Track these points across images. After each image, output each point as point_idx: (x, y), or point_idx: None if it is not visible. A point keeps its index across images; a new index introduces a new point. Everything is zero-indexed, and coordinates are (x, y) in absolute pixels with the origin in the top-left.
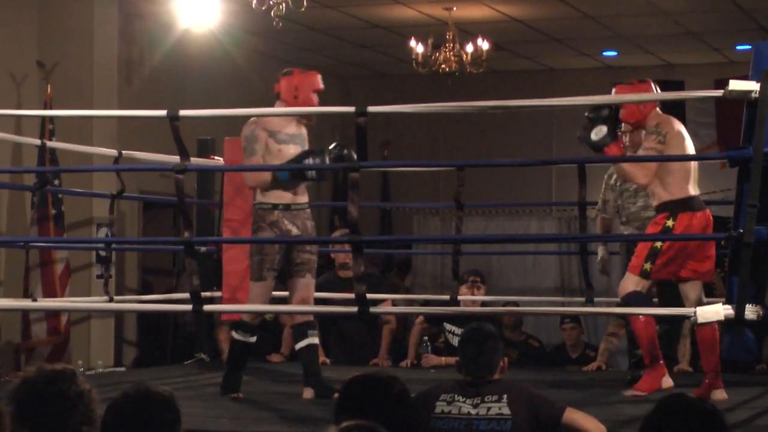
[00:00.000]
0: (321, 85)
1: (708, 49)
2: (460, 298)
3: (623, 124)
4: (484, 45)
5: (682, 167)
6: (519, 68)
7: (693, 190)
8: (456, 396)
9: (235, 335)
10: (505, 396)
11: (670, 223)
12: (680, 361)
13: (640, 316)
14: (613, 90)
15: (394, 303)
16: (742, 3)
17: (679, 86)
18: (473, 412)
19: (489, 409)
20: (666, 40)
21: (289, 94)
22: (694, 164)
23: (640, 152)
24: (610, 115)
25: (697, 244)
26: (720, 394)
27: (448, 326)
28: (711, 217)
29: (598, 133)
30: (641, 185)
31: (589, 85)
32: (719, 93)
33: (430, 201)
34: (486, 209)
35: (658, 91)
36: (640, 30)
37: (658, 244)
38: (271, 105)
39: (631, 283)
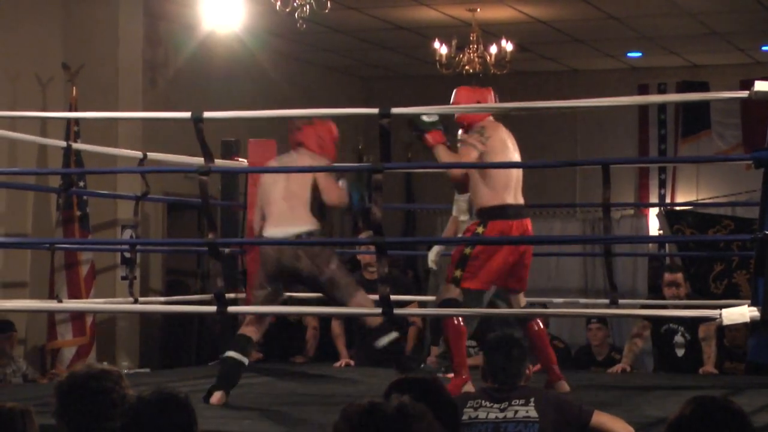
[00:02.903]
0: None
1: (733, 50)
2: None
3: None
4: (508, 46)
5: (499, 175)
6: (543, 69)
7: (511, 198)
8: (483, 402)
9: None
10: (532, 399)
11: (480, 230)
12: (705, 363)
13: (454, 320)
14: (455, 91)
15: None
16: None
17: (703, 87)
18: (500, 415)
19: (516, 412)
20: (690, 41)
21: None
22: (516, 173)
23: (459, 147)
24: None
25: (520, 254)
26: (563, 386)
27: None
28: (529, 226)
29: (430, 116)
30: (457, 179)
31: (613, 86)
32: (744, 94)
33: (451, 203)
34: None
35: (493, 99)
36: (665, 31)
37: (467, 250)
38: (293, 106)
39: (446, 291)
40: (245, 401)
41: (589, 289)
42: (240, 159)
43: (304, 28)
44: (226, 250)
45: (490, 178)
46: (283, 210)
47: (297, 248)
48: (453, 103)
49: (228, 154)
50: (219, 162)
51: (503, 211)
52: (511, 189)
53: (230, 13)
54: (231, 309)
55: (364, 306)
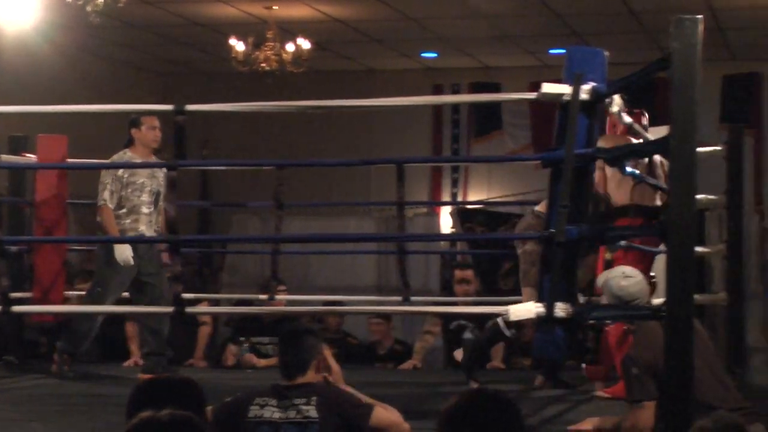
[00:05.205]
0: None
1: (523, 53)
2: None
3: None
4: (305, 44)
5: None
6: (340, 68)
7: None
8: (269, 400)
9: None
10: (314, 398)
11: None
12: (493, 359)
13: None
14: None
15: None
16: (556, 8)
17: (495, 88)
18: (282, 415)
19: (297, 412)
20: (483, 43)
21: None
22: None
23: None
24: None
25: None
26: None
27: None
28: None
29: None
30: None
31: (408, 86)
32: (533, 95)
33: (249, 201)
34: (305, 209)
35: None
36: (459, 32)
37: (608, 255)
38: (87, 102)
39: None
40: (32, 404)
41: (383, 286)
42: (29, 155)
43: (98, 22)
44: (13, 249)
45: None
46: None
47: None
48: None
49: (16, 149)
50: (6, 158)
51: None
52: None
53: (20, 6)
54: (15, 309)
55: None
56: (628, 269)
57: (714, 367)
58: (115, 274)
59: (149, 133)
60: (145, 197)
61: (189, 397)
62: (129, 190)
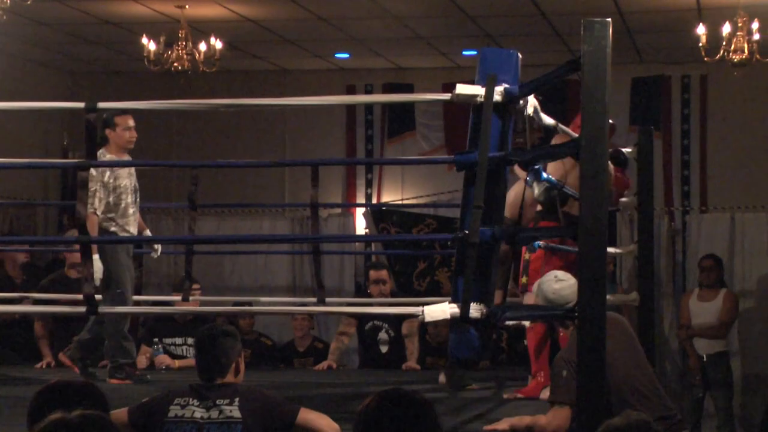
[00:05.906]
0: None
1: (436, 54)
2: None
3: None
4: (218, 44)
5: None
6: (253, 68)
7: None
8: (190, 400)
9: None
10: (237, 399)
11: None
12: (408, 359)
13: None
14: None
15: None
16: (468, 9)
17: (408, 89)
18: (205, 416)
19: (220, 412)
20: (396, 44)
21: None
22: None
23: None
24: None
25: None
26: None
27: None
28: None
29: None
30: None
31: (322, 86)
32: (447, 96)
33: (162, 201)
34: (218, 209)
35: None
36: (372, 33)
37: (527, 256)
38: None
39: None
40: None
41: (297, 286)
42: None
43: (5, 19)
44: None
45: None
46: None
47: None
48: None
49: None
50: None
51: None
52: None
53: None
54: None
55: None
56: (561, 273)
57: (645, 373)
58: (126, 269)
59: (125, 134)
60: (130, 198)
61: (91, 400)
62: (116, 194)
